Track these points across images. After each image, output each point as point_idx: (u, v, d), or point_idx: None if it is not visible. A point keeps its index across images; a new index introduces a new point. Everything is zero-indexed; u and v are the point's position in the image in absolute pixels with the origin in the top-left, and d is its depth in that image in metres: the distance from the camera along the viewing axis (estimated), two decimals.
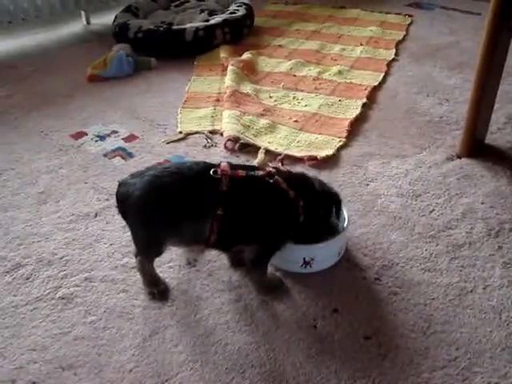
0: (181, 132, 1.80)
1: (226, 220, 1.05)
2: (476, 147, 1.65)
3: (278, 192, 1.09)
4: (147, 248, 1.12)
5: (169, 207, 1.04)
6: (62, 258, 1.28)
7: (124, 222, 1.17)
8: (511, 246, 1.30)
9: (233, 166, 1.11)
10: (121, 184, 1.10)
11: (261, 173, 1.10)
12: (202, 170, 1.07)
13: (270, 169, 1.12)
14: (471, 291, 1.18)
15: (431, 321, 1.10)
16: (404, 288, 1.18)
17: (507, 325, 1.09)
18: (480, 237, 1.33)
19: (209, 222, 1.05)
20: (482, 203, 1.44)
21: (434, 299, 1.16)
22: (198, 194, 1.05)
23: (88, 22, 3.01)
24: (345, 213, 1.26)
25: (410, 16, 2.97)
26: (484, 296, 1.17)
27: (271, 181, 1.09)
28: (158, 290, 1.16)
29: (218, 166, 1.09)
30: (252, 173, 1.09)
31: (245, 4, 2.70)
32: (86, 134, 1.82)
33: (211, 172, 1.06)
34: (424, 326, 1.09)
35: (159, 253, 1.13)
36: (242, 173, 1.08)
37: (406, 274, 1.22)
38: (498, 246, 1.30)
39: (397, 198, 1.46)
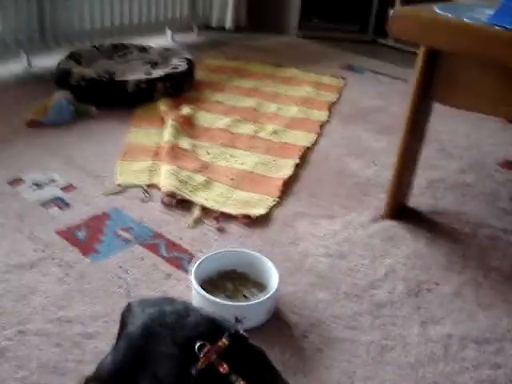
0: (119, 185, 1.82)
1: None
2: (399, 210, 1.76)
3: None
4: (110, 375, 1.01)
5: (142, 360, 0.96)
6: None
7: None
8: (429, 306, 1.39)
9: (230, 352, 0.91)
10: (128, 306, 1.04)
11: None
12: (194, 336, 0.93)
13: None
14: (391, 349, 1.25)
15: (354, 377, 1.17)
16: (329, 345, 1.24)
17: (423, 380, 1.17)
18: (400, 297, 1.42)
19: None
20: (404, 264, 1.54)
21: (357, 356, 1.22)
22: (170, 361, 0.93)
23: (29, 64, 3.01)
24: (276, 272, 1.32)
25: (343, 78, 3.12)
26: (403, 353, 1.25)
27: None
28: None
29: (220, 337, 0.93)
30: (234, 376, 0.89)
31: (187, 59, 2.78)
32: (24, 182, 1.81)
33: (196, 346, 0.91)
34: (347, 382, 1.15)
35: None
36: (224, 369, 0.89)
37: (331, 331, 1.29)
38: (416, 306, 1.39)
39: (325, 258, 1.54)
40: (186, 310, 0.99)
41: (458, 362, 1.24)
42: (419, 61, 1.51)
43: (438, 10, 1.38)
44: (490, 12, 1.30)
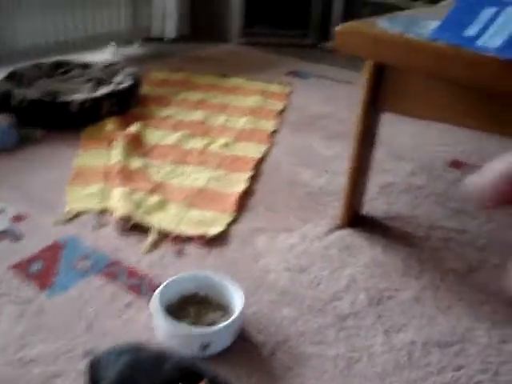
0: (70, 211, 1.77)
1: None
2: (354, 217, 1.78)
3: None
4: None
5: None
6: None
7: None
8: (391, 314, 1.42)
9: None
10: (95, 360, 1.03)
11: None
12: (173, 380, 0.93)
13: None
14: (357, 360, 1.27)
15: None
16: (298, 363, 1.25)
17: None
18: (363, 307, 1.44)
19: None
20: (363, 273, 1.56)
21: (325, 372, 1.23)
22: None
23: None
24: (239, 292, 1.32)
25: (289, 85, 3.14)
26: (369, 364, 1.26)
27: None
28: None
29: (199, 381, 0.93)
30: None
31: (131, 74, 2.74)
32: None
33: None
34: None
35: None
36: None
37: (299, 348, 1.29)
38: (378, 315, 1.41)
39: (285, 273, 1.55)
40: (162, 355, 1.00)
41: (422, 368, 1.26)
42: (366, 73, 1.52)
43: (383, 25, 1.40)
44: (434, 25, 1.33)
